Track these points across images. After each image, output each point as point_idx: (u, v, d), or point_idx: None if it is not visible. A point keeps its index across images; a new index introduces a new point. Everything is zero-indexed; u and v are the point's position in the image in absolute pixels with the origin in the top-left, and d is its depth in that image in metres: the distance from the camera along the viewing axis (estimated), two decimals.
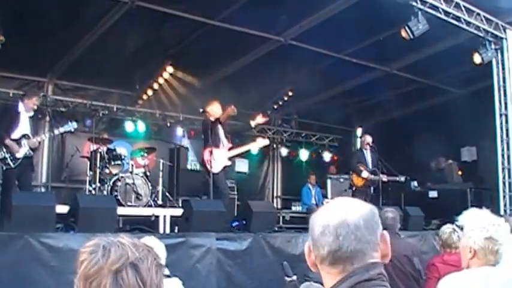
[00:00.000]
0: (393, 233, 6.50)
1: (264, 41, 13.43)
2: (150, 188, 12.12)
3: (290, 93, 17.10)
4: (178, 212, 9.71)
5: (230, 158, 11.17)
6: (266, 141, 12.48)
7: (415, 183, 16.13)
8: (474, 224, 3.59)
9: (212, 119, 10.80)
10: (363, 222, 1.93)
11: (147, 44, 12.80)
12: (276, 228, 10.31)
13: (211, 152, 10.45)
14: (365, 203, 2.06)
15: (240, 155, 12.92)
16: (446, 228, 6.45)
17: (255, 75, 13.88)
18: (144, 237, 5.92)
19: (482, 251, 3.48)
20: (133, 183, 11.79)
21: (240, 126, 12.62)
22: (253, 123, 11.39)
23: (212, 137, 10.66)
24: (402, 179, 13.51)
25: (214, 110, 10.86)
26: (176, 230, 9.51)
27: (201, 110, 11.38)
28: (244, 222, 9.47)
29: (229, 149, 11.09)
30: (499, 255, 3.49)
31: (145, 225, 9.38)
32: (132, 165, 12.51)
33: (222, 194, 10.55)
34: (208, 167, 10.48)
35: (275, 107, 17.89)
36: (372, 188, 13.46)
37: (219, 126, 10.95)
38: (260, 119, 11.40)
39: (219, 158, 10.66)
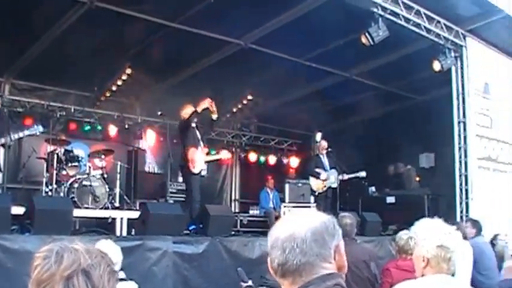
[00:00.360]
0: (350, 239, 6.58)
1: (224, 44, 13.41)
2: (108, 190, 12.01)
3: (250, 97, 17.13)
4: (136, 214, 9.68)
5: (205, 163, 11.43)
6: (229, 155, 13.44)
7: (373, 188, 16.26)
8: (426, 233, 3.64)
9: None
10: (310, 235, 1.96)
11: (106, 45, 12.63)
12: (233, 232, 10.33)
13: (194, 152, 10.75)
14: (322, 214, 2.09)
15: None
16: (404, 235, 6.53)
17: (214, 78, 13.82)
18: (100, 240, 5.88)
19: (435, 259, 3.53)
20: (91, 185, 11.67)
21: (205, 125, 12.62)
22: (214, 116, 11.48)
23: (192, 139, 10.90)
24: (363, 174, 13.64)
25: (189, 112, 10.98)
26: (133, 233, 9.45)
27: (159, 113, 11.38)
28: (201, 225, 9.47)
29: (206, 153, 11.38)
30: (451, 263, 3.54)
31: (102, 228, 9.30)
32: (90, 167, 12.38)
33: (194, 200, 10.72)
34: (191, 166, 10.72)
35: (234, 110, 17.89)
36: (331, 193, 13.53)
37: (196, 130, 11.12)
38: (214, 107, 11.41)
39: (199, 159, 10.89)
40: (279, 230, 2.02)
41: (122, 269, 5.72)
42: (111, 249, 5.49)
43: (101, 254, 1.73)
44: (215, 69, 13.94)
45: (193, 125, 11.02)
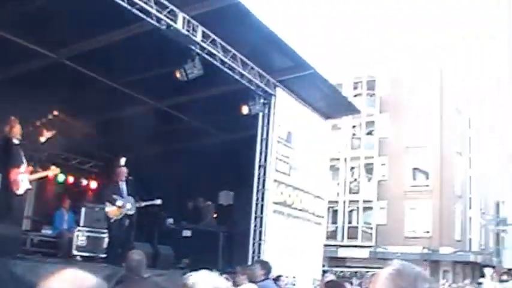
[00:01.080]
0: (139, 276, 6.49)
1: (37, 55, 12.93)
2: None
3: (56, 113, 16.61)
4: None
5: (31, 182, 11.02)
6: (58, 170, 13.39)
7: (171, 220, 16.28)
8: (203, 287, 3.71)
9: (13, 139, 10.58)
10: None
11: None
12: (20, 255, 9.86)
13: (17, 173, 10.33)
14: (94, 277, 2.05)
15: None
16: (192, 277, 6.50)
17: (23, 89, 13.24)
18: None
19: None
20: None
21: (31, 142, 12.08)
22: (42, 139, 11.17)
23: (14, 158, 10.47)
24: (158, 201, 13.56)
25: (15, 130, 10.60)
26: None
27: None
28: None
29: (30, 172, 10.98)
30: None
31: None
32: None
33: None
34: (15, 188, 10.28)
35: (38, 123, 17.23)
36: (127, 221, 13.31)
37: (19, 148, 10.69)
38: (48, 134, 11.19)
39: (23, 179, 10.47)
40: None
41: None
42: None
43: None
44: (24, 80, 13.32)
45: (17, 142, 10.63)
